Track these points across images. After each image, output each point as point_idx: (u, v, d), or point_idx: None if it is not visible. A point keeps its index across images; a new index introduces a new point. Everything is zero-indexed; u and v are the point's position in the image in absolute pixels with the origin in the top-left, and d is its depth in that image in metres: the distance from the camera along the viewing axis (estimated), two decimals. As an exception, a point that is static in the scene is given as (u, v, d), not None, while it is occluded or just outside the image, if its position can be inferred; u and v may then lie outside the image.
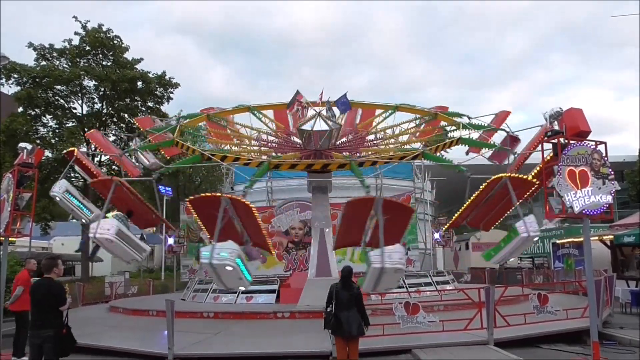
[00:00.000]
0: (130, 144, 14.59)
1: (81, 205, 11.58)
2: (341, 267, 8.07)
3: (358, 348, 7.32)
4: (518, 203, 10.85)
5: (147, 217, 12.60)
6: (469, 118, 14.57)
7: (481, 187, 10.88)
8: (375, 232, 9.99)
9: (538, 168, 11.24)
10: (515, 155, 12.91)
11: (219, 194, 10.36)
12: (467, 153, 13.93)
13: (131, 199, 11.70)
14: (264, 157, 15.01)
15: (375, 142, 17.11)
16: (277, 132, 17.44)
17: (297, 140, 16.51)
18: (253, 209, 10.57)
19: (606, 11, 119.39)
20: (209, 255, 9.24)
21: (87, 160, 12.92)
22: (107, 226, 10.09)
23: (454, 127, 14.66)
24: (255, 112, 16.94)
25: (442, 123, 15.50)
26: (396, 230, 10.12)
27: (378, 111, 17.49)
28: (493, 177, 10.60)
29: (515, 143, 13.16)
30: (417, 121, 16.50)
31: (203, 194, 10.87)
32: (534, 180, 10.80)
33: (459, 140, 13.65)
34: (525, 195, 11.29)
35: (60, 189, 11.37)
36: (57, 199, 11.37)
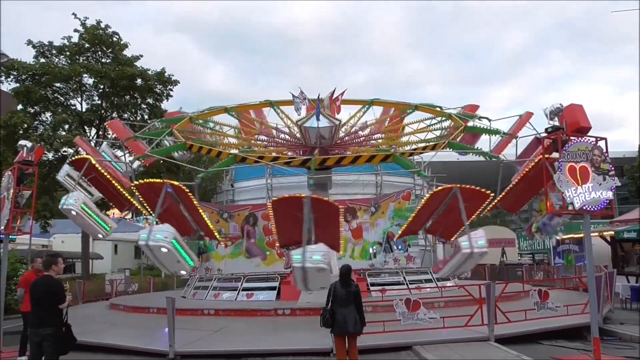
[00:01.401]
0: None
1: (97, 219, 11.42)
2: (341, 265, 8.08)
3: (356, 346, 7.31)
4: (476, 215, 10.75)
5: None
6: (489, 120, 14.38)
7: (426, 196, 10.74)
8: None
9: (533, 163, 11.23)
10: (500, 139, 12.87)
11: (161, 180, 10.53)
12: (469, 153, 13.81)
13: (106, 181, 11.91)
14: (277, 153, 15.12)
15: (372, 139, 17.12)
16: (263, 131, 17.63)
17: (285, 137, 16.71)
18: (191, 196, 10.71)
19: (605, 8, 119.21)
20: (145, 237, 9.34)
21: (87, 146, 13.07)
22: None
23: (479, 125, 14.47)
24: (232, 112, 16.98)
25: (470, 123, 15.08)
26: (330, 229, 10.12)
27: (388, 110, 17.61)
28: (441, 187, 10.50)
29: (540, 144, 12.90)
30: (431, 121, 16.30)
31: (147, 180, 11.07)
32: (487, 192, 10.64)
33: (447, 144, 13.56)
34: (481, 207, 11.13)
35: (76, 201, 10.88)
36: (74, 212, 10.89)
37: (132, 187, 11.23)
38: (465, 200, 9.99)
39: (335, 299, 7.23)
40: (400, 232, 13.46)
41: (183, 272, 11.17)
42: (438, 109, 15.73)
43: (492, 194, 10.70)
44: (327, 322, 7.23)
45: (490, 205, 11.99)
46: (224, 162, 13.35)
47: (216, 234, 12.52)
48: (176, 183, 10.51)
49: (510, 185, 11.81)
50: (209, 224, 11.95)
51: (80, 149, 13.28)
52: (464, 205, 9.97)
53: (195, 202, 11.05)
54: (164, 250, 9.39)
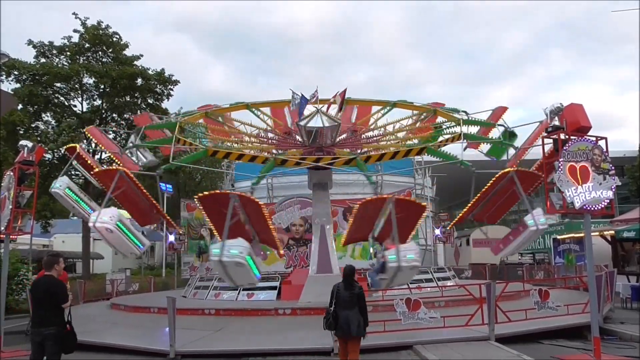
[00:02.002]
0: (129, 141, 14.41)
1: (81, 202, 11.56)
2: (342, 264, 8.08)
3: (359, 349, 7.16)
4: (525, 196, 10.90)
5: (147, 213, 12.51)
6: (467, 114, 14.48)
7: (489, 182, 10.99)
8: (385, 229, 9.99)
9: (539, 163, 11.27)
10: (516, 150, 12.91)
11: (227, 191, 10.36)
12: (464, 149, 13.87)
13: (134, 193, 11.55)
14: (265, 153, 15.01)
15: (374, 138, 17.09)
16: (276, 129, 17.45)
17: (297, 137, 16.53)
18: (262, 205, 10.55)
19: (605, 7, 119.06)
20: (219, 252, 9.25)
21: (88, 156, 12.95)
22: (107, 215, 9.93)
23: (452, 123, 14.63)
24: (253, 109, 16.91)
25: (439, 119, 15.41)
26: (406, 227, 10.13)
27: (374, 108, 17.46)
28: (500, 172, 10.67)
29: (512, 138, 13.23)
30: (414, 118, 16.44)
31: (212, 192, 10.86)
32: (539, 172, 10.86)
33: (462, 136, 13.61)
34: (530, 189, 11.35)
35: (61, 185, 11.32)
36: (59, 194, 11.30)
37: (195, 199, 10.96)
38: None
39: (338, 301, 7.08)
40: (458, 216, 13.45)
41: (251, 284, 11.21)
42: (462, 113, 14.78)
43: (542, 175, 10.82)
44: (331, 325, 7.09)
45: (459, 217, 12.35)
46: (267, 167, 13.09)
47: (279, 243, 12.33)
48: (244, 194, 10.31)
49: (477, 197, 11.79)
50: (274, 233, 11.75)
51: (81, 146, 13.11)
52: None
53: (265, 212, 10.85)
54: (239, 266, 9.29)
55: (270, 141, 17.15)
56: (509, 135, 13.23)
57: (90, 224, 9.74)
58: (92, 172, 11.67)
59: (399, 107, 16.59)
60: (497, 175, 11.01)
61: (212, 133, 16.14)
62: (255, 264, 9.76)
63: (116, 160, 13.12)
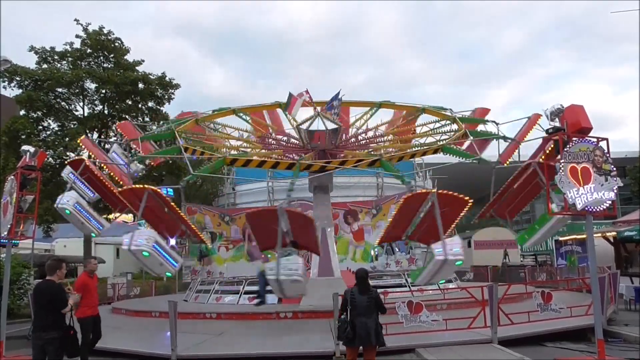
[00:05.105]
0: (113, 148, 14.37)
1: (91, 219, 11.64)
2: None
3: (375, 357, 6.76)
4: (457, 221, 10.67)
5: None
6: (497, 124, 14.31)
7: (399, 203, 10.78)
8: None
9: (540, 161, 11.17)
10: (509, 143, 12.88)
11: (143, 186, 10.78)
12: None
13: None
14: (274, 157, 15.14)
15: (375, 141, 17.10)
16: (265, 132, 17.50)
17: (294, 140, 16.58)
18: (168, 199, 11.13)
19: (603, 6, 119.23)
20: (128, 242, 9.62)
21: (93, 147, 13.11)
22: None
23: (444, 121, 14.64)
24: (241, 114, 16.76)
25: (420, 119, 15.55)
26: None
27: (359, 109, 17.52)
28: (415, 193, 10.52)
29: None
30: (434, 125, 16.10)
31: (129, 187, 11.32)
32: (466, 199, 10.32)
33: (441, 149, 13.50)
34: (461, 213, 10.85)
35: (69, 200, 11.27)
36: (66, 210, 11.20)
37: (117, 192, 11.49)
38: (442, 206, 9.81)
39: (354, 308, 6.56)
40: (378, 238, 13.19)
41: (168, 274, 11.49)
42: (448, 112, 15.35)
43: (471, 200, 10.40)
44: (349, 336, 6.53)
45: (482, 212, 12.14)
46: (214, 164, 13.09)
47: (201, 234, 12.81)
48: (155, 188, 10.79)
49: (500, 191, 11.66)
50: (192, 224, 12.50)
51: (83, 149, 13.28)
52: (439, 211, 9.75)
53: (173, 205, 11.41)
54: (145, 254, 9.65)
55: (268, 145, 17.17)
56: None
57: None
58: (118, 191, 11.62)
59: (428, 113, 16.18)
60: (408, 196, 10.52)
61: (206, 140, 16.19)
62: (168, 253, 10.06)
63: (107, 170, 13.12)
